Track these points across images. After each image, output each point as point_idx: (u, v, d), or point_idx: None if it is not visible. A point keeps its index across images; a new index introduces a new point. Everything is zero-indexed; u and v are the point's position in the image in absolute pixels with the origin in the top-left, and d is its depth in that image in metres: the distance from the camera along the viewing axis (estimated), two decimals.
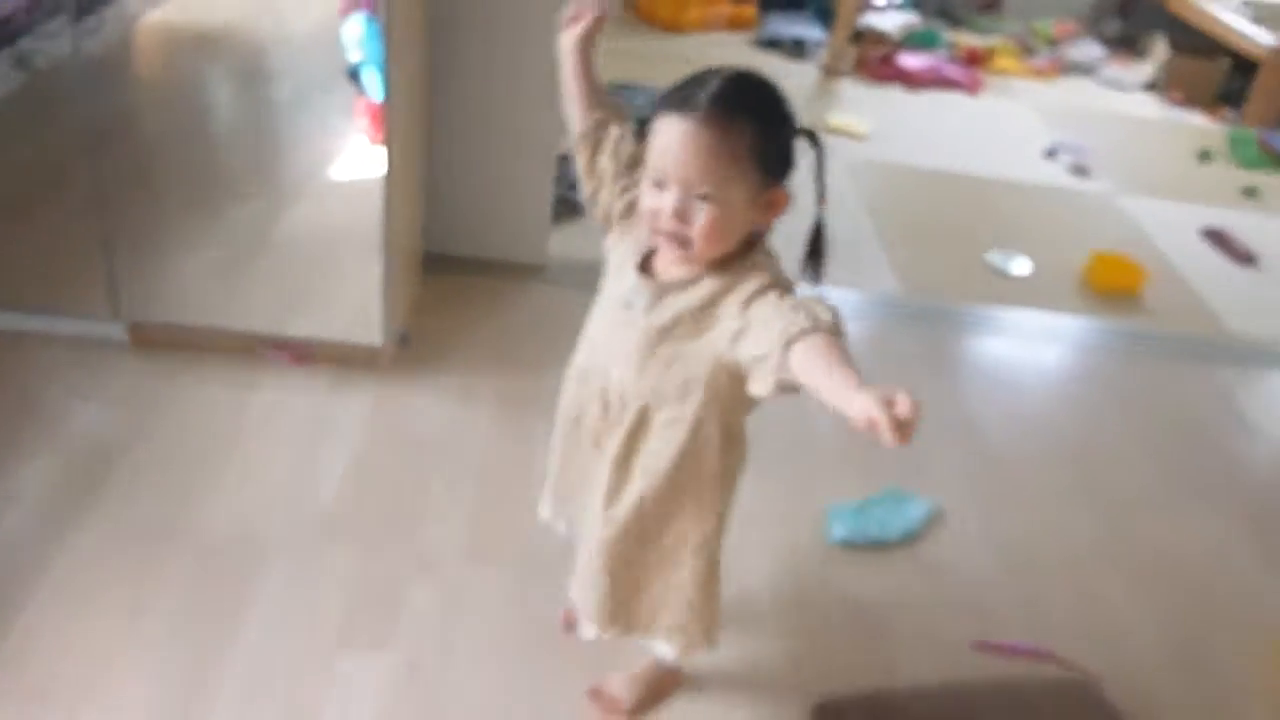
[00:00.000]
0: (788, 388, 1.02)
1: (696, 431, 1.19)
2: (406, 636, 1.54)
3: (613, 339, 1.22)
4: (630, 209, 1.23)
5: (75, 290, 2.06)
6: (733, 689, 1.55)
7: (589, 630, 1.37)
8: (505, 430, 1.99)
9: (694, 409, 1.17)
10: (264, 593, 1.57)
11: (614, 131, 1.25)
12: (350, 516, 1.74)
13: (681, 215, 1.08)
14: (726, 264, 1.13)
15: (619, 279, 1.22)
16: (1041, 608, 1.78)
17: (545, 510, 1.46)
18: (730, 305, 1.10)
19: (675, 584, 1.31)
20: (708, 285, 1.12)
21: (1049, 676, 1.65)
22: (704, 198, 1.07)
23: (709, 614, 1.34)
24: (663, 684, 1.51)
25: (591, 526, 1.31)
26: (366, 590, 1.60)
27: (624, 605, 1.33)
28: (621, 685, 1.49)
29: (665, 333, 1.15)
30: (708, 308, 1.12)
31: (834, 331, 0.99)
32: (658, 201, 1.10)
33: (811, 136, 1.13)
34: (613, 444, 1.25)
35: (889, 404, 0.89)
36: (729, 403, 1.18)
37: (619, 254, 1.24)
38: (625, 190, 1.23)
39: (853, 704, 1.55)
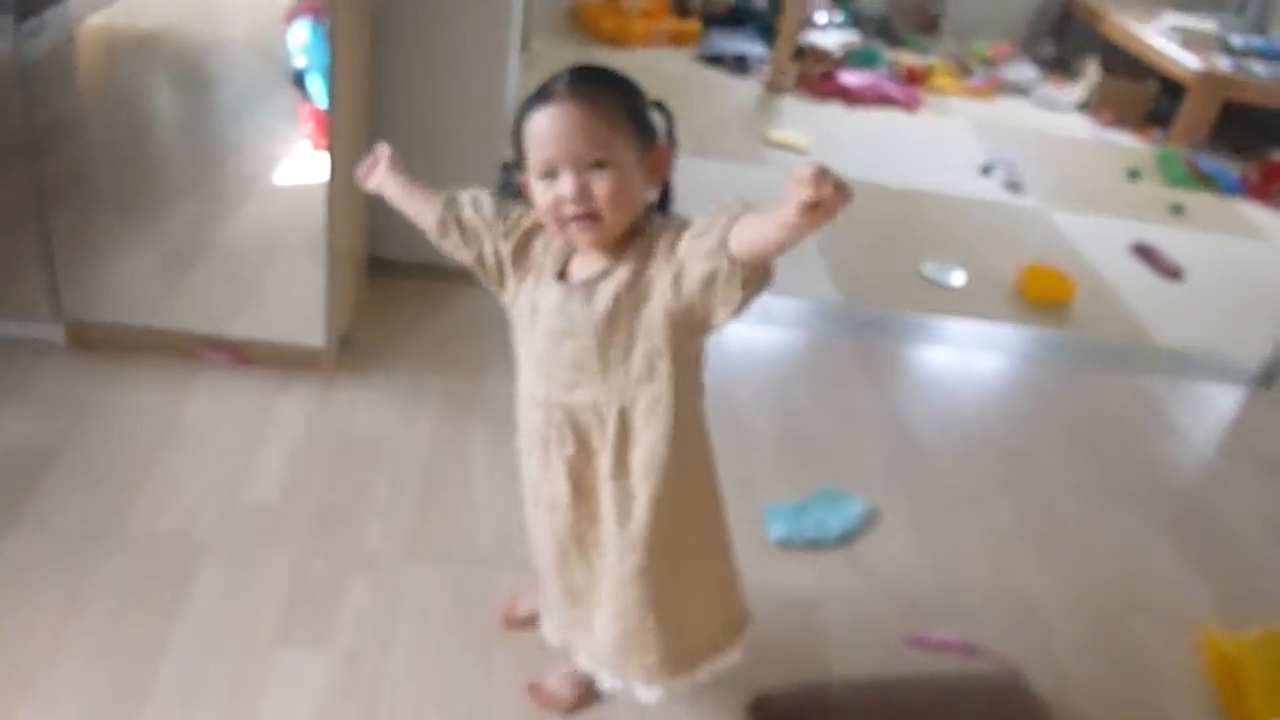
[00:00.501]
0: (751, 283, 1.06)
1: (679, 402, 1.18)
2: (346, 633, 1.54)
3: (561, 362, 1.20)
4: (521, 244, 1.25)
5: (14, 291, 2.03)
6: None
7: (648, 694, 1.36)
8: (446, 430, 2.00)
9: (667, 381, 1.16)
10: (202, 592, 1.56)
11: (464, 196, 1.30)
12: (290, 515, 1.74)
13: (583, 192, 1.10)
14: (632, 241, 1.15)
15: (535, 316, 1.22)
16: (971, 603, 1.83)
17: (551, 633, 1.46)
18: (658, 262, 1.13)
19: (714, 583, 1.36)
20: (628, 261, 1.15)
21: (977, 670, 1.70)
22: (599, 165, 1.10)
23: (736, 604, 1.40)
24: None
25: (609, 566, 1.28)
26: (306, 588, 1.60)
27: (678, 638, 1.32)
28: (560, 681, 1.50)
29: (612, 318, 1.15)
30: (637, 279, 1.14)
31: (749, 209, 1.05)
32: (554, 190, 1.12)
33: (660, 106, 1.19)
34: (604, 464, 1.22)
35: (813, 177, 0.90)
36: (691, 378, 1.20)
37: (526, 297, 1.24)
38: (507, 234, 1.25)
39: (788, 698, 1.58)
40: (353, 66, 2.05)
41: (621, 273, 1.15)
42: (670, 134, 1.19)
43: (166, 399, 1.94)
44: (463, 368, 2.19)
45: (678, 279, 1.10)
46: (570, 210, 1.11)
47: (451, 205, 1.31)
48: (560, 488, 1.26)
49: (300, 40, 2.35)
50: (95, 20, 2.22)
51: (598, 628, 1.33)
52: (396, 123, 2.35)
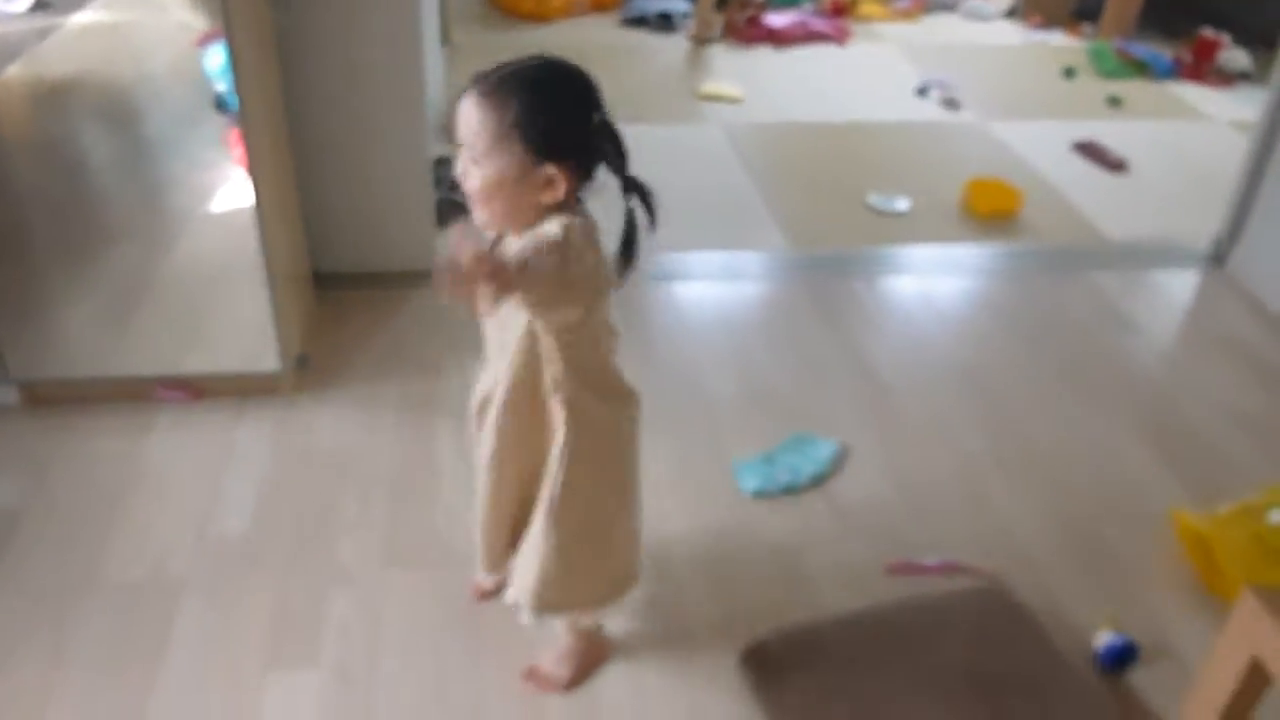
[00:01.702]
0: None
1: (526, 345, 1.27)
2: (334, 650, 1.55)
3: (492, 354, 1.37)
4: None
5: None
6: (663, 648, 1.60)
7: (523, 615, 1.43)
8: (410, 434, 2.01)
9: (520, 331, 1.26)
10: (184, 629, 1.57)
11: None
12: (264, 541, 1.74)
13: (464, 176, 1.20)
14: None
15: None
16: (946, 524, 1.86)
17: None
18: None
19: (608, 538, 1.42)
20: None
21: (959, 587, 1.73)
22: (474, 161, 1.18)
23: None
24: (593, 653, 1.55)
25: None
26: (288, 610, 1.61)
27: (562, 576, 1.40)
28: (555, 662, 1.53)
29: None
30: None
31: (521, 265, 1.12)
32: (459, 162, 1.21)
33: (606, 131, 1.19)
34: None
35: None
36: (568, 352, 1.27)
37: None
38: None
39: (780, 643, 1.60)
40: (262, 82, 2.03)
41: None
42: (615, 156, 1.19)
43: (126, 444, 1.94)
44: (419, 369, 2.20)
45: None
46: (463, 184, 1.21)
47: None
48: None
49: (217, 64, 2.33)
50: (9, 73, 2.19)
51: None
52: (317, 133, 2.33)
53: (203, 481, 1.86)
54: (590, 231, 1.21)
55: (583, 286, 1.21)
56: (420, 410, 2.07)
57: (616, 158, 1.19)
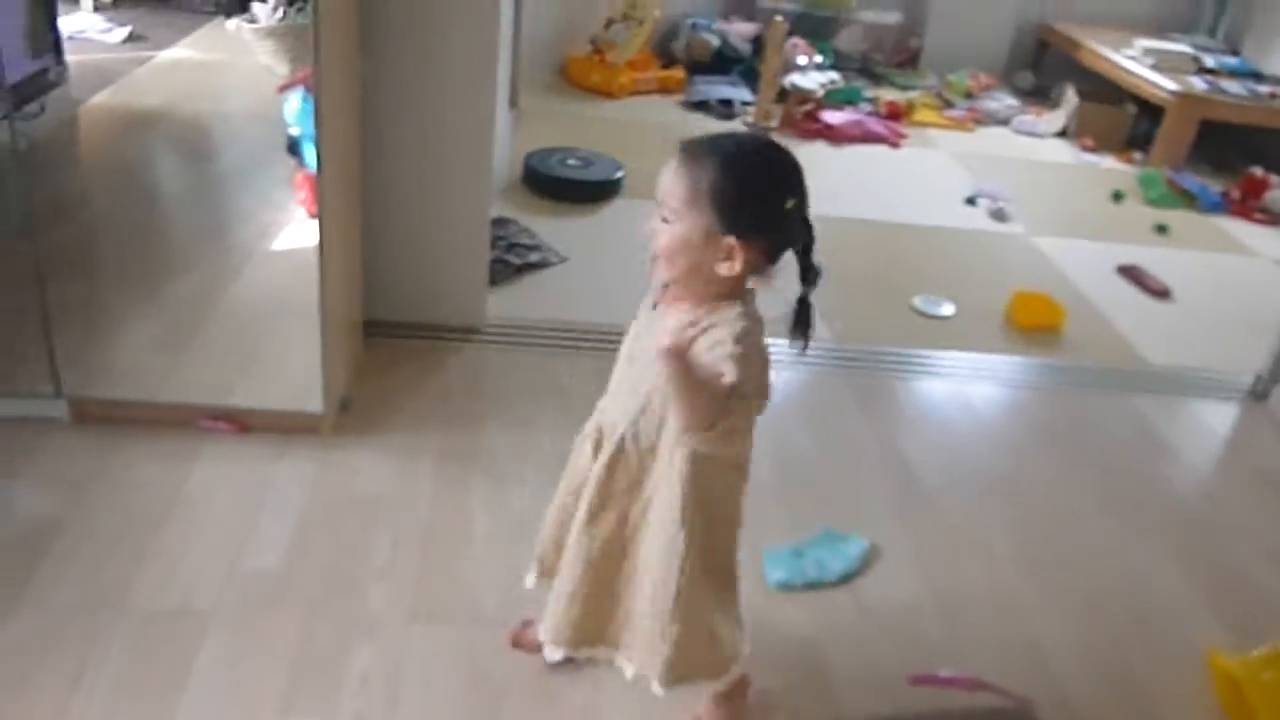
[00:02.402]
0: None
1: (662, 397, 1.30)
2: (352, 700, 1.54)
3: (623, 380, 1.38)
4: None
5: (16, 370, 2.06)
6: None
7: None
8: (447, 488, 2.02)
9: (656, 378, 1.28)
10: (206, 663, 1.57)
11: None
12: (293, 582, 1.74)
13: (653, 232, 1.24)
14: (708, 302, 1.24)
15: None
16: (975, 638, 1.83)
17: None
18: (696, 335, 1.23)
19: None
20: (688, 314, 1.25)
21: (985, 705, 1.70)
22: (664, 219, 1.22)
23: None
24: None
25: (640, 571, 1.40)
26: (310, 655, 1.61)
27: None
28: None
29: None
30: (685, 329, 1.24)
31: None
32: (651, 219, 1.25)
33: (797, 217, 1.22)
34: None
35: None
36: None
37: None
38: None
39: None
40: (341, 132, 2.09)
41: (680, 317, 1.25)
42: (803, 245, 1.24)
43: (168, 471, 1.96)
44: (461, 424, 2.21)
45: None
46: (646, 237, 1.26)
47: None
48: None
49: (294, 109, 2.41)
50: (96, 100, 2.28)
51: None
52: (387, 185, 2.40)
53: (239, 516, 1.88)
54: (755, 337, 1.24)
55: (753, 395, 1.25)
56: (459, 464, 2.08)
57: (804, 246, 1.23)
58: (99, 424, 2.05)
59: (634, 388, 1.34)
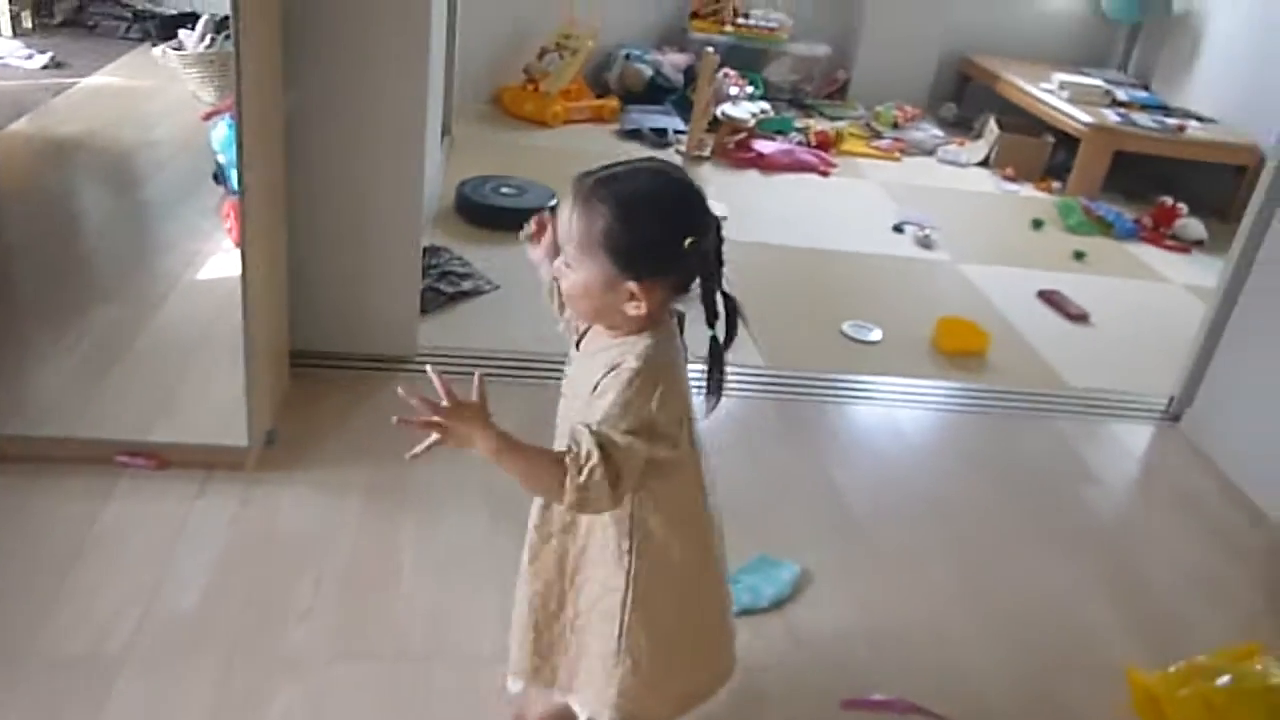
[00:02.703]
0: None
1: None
2: None
3: (560, 426, 1.32)
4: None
5: None
6: None
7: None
8: (373, 523, 1.98)
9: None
10: (117, 710, 1.51)
11: None
12: (212, 623, 1.70)
13: (559, 273, 1.22)
14: (626, 335, 1.21)
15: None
16: (905, 662, 1.85)
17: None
18: (599, 390, 1.18)
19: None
20: (604, 351, 1.22)
21: None
22: (566, 264, 1.20)
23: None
24: None
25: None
26: (230, 698, 1.56)
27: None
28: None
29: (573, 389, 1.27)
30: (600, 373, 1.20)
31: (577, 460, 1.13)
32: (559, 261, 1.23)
33: (696, 254, 1.15)
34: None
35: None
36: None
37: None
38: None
39: None
40: (266, 159, 2.06)
41: (612, 355, 1.20)
42: (706, 286, 1.18)
43: (82, 510, 1.89)
44: (390, 456, 2.14)
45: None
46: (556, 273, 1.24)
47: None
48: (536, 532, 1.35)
49: (220, 137, 2.37)
50: (13, 128, 2.22)
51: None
52: (316, 214, 2.36)
53: (156, 555, 1.82)
54: (666, 371, 1.18)
55: (662, 437, 1.17)
56: (387, 499, 2.05)
57: (705, 283, 1.17)
58: (10, 462, 1.98)
59: (559, 425, 1.32)
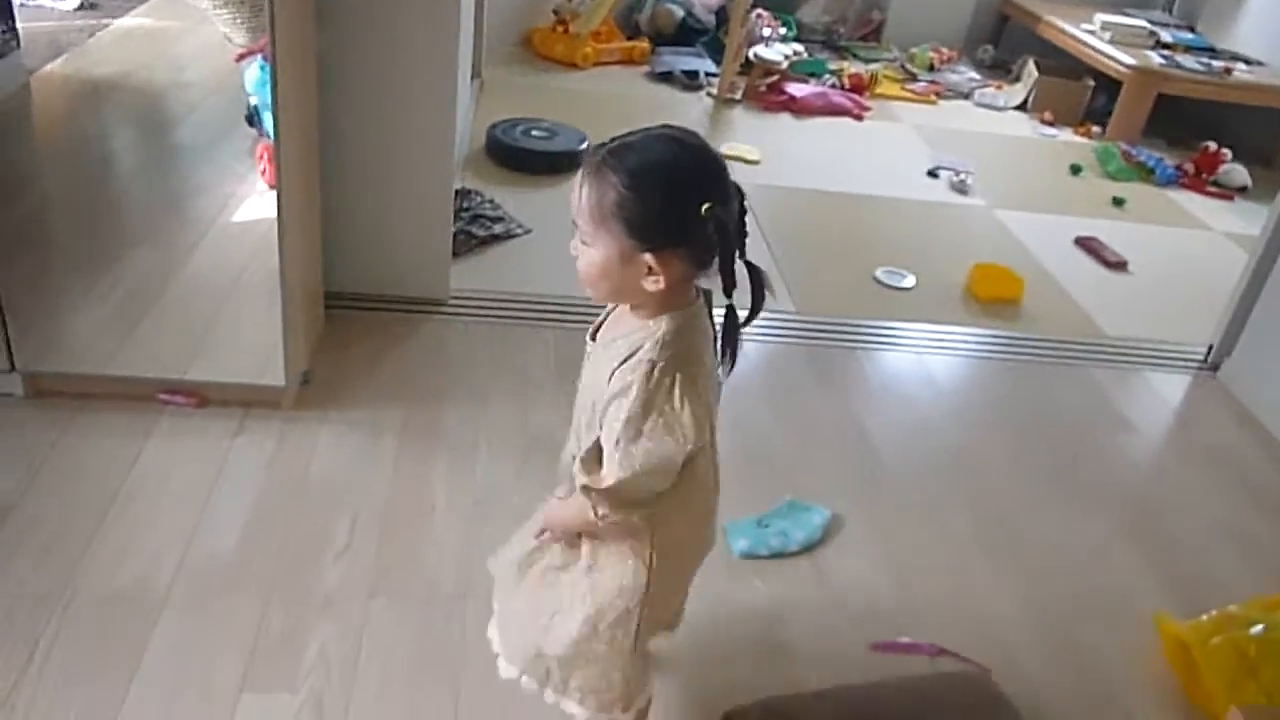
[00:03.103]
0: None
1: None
2: (311, 677, 1.54)
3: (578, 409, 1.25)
4: None
5: None
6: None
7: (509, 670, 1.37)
8: (407, 464, 2.01)
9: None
10: (162, 642, 1.55)
11: None
12: (250, 560, 1.73)
13: (574, 252, 1.16)
14: (649, 316, 1.15)
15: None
16: (930, 606, 1.87)
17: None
18: (628, 362, 1.13)
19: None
20: (626, 336, 1.16)
21: (943, 671, 1.73)
22: (582, 241, 1.14)
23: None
24: None
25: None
26: (268, 633, 1.60)
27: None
28: None
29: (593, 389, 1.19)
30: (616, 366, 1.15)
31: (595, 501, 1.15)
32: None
33: (714, 221, 1.08)
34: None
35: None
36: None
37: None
38: None
39: (761, 713, 1.59)
40: (299, 102, 2.05)
41: (633, 340, 1.15)
42: (725, 255, 1.10)
43: (125, 446, 1.93)
44: (423, 398, 2.20)
45: (599, 418, 1.15)
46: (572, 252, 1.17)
47: None
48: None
49: (253, 78, 2.36)
50: (49, 70, 2.21)
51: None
52: (349, 157, 2.36)
53: (196, 494, 1.85)
54: (685, 360, 1.12)
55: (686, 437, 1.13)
56: (420, 440, 2.07)
57: (723, 252, 1.09)
58: (55, 399, 2.02)
59: (576, 417, 1.26)
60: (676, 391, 1.11)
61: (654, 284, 1.11)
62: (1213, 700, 1.70)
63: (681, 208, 1.08)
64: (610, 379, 1.13)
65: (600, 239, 1.11)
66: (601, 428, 1.14)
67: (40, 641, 1.53)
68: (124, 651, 1.53)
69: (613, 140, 1.13)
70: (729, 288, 1.11)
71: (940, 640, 1.77)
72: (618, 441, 1.11)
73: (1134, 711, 1.71)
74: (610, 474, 1.14)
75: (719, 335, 1.17)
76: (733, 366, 1.18)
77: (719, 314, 1.16)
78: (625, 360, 1.13)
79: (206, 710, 1.46)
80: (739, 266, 1.11)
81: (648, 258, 1.10)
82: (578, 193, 1.12)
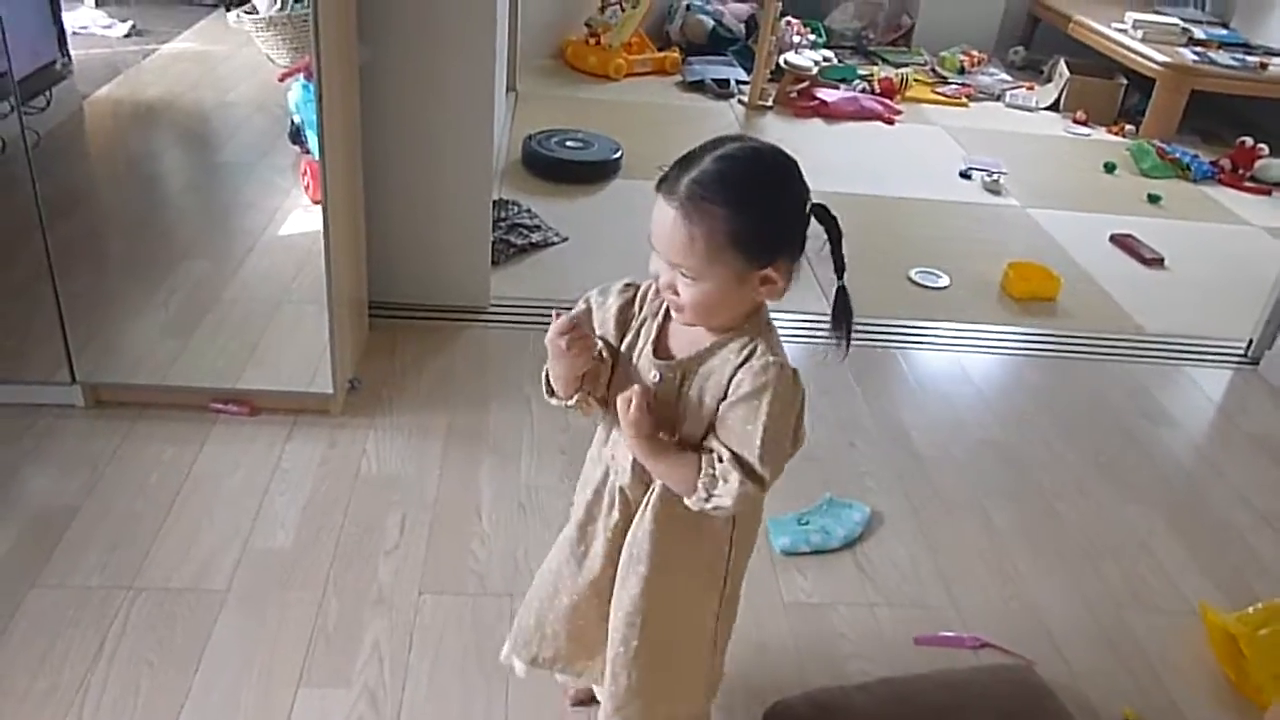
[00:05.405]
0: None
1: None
2: (366, 671, 1.58)
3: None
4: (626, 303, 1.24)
5: (32, 358, 2.10)
6: None
7: None
8: (454, 466, 2.05)
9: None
10: (222, 638, 1.61)
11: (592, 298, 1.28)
12: (306, 559, 1.79)
13: (672, 287, 1.11)
14: (731, 332, 1.14)
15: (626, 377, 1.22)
16: (972, 599, 1.88)
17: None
18: (725, 367, 1.13)
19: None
20: (719, 358, 1.14)
21: (986, 664, 1.74)
22: (686, 281, 1.09)
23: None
24: None
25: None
26: (324, 629, 1.65)
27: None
28: None
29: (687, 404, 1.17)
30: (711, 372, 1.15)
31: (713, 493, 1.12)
32: (655, 266, 1.12)
33: (822, 214, 1.11)
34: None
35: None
36: None
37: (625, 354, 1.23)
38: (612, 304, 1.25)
39: (805, 706, 1.61)
40: (343, 119, 2.12)
41: (712, 364, 1.15)
42: (833, 241, 1.13)
43: (182, 452, 2.00)
44: (467, 403, 2.25)
45: (716, 421, 1.14)
46: (662, 289, 1.13)
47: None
48: (596, 548, 1.30)
49: (295, 97, 2.44)
50: (101, 93, 2.30)
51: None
52: (390, 170, 2.42)
53: (250, 496, 1.91)
54: (789, 368, 1.13)
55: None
56: (466, 444, 2.12)
57: (836, 241, 1.11)
58: (113, 409, 2.09)
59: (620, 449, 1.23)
60: (799, 387, 1.13)
61: (771, 291, 1.12)
62: (1261, 692, 1.69)
63: (792, 216, 1.09)
64: (730, 381, 1.12)
65: (712, 271, 1.07)
66: (717, 429, 1.13)
67: (109, 634, 1.59)
68: (187, 644, 1.59)
69: (676, 170, 1.07)
70: (840, 269, 1.15)
71: (983, 633, 1.79)
72: (762, 440, 1.09)
73: (1179, 703, 1.71)
74: (752, 471, 1.10)
75: (834, 316, 1.17)
76: (849, 347, 1.17)
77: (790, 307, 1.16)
78: (739, 367, 1.12)
79: (266, 704, 1.51)
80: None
81: (768, 272, 1.09)
82: (671, 230, 1.06)
